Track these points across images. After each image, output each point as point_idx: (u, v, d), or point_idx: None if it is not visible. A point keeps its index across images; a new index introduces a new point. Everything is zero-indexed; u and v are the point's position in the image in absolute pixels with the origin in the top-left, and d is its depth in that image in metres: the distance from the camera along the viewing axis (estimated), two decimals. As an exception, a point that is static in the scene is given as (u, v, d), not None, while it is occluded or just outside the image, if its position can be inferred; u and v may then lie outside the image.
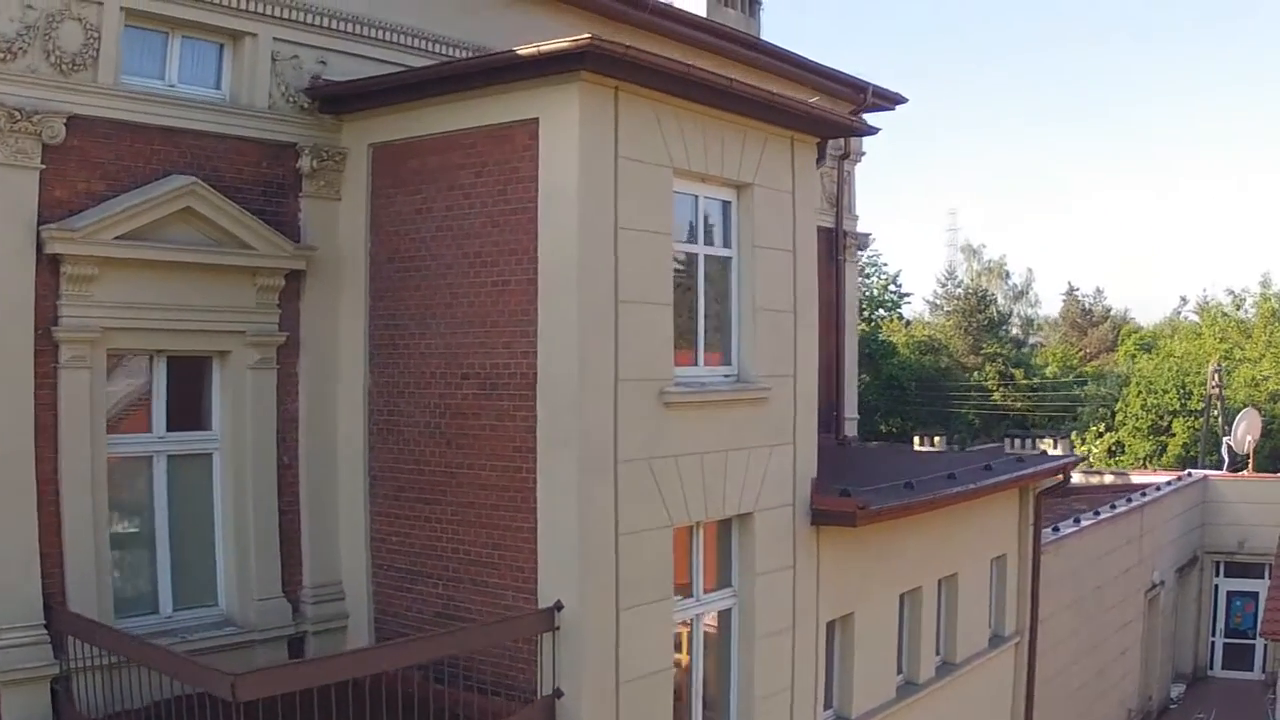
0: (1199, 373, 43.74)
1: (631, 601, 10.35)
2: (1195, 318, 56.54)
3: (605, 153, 10.14)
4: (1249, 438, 30.57)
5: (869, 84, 18.72)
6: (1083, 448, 44.72)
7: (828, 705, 13.60)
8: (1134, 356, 58.17)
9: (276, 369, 11.47)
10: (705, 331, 11.62)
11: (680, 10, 15.58)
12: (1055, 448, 30.20)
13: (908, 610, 15.08)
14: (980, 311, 59.43)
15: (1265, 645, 24.80)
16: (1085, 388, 49.06)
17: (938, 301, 64.34)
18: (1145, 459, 42.68)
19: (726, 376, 11.81)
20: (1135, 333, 60.04)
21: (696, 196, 11.42)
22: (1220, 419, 40.18)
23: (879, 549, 13.79)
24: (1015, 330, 68.22)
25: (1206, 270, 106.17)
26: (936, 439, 51.64)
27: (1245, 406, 42.38)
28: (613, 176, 10.19)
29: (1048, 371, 55.33)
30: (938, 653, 16.00)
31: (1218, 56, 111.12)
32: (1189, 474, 28.32)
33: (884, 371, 51.85)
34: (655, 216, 10.62)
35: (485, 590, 10.72)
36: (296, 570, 11.70)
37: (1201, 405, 41.26)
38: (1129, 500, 23.64)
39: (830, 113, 12.91)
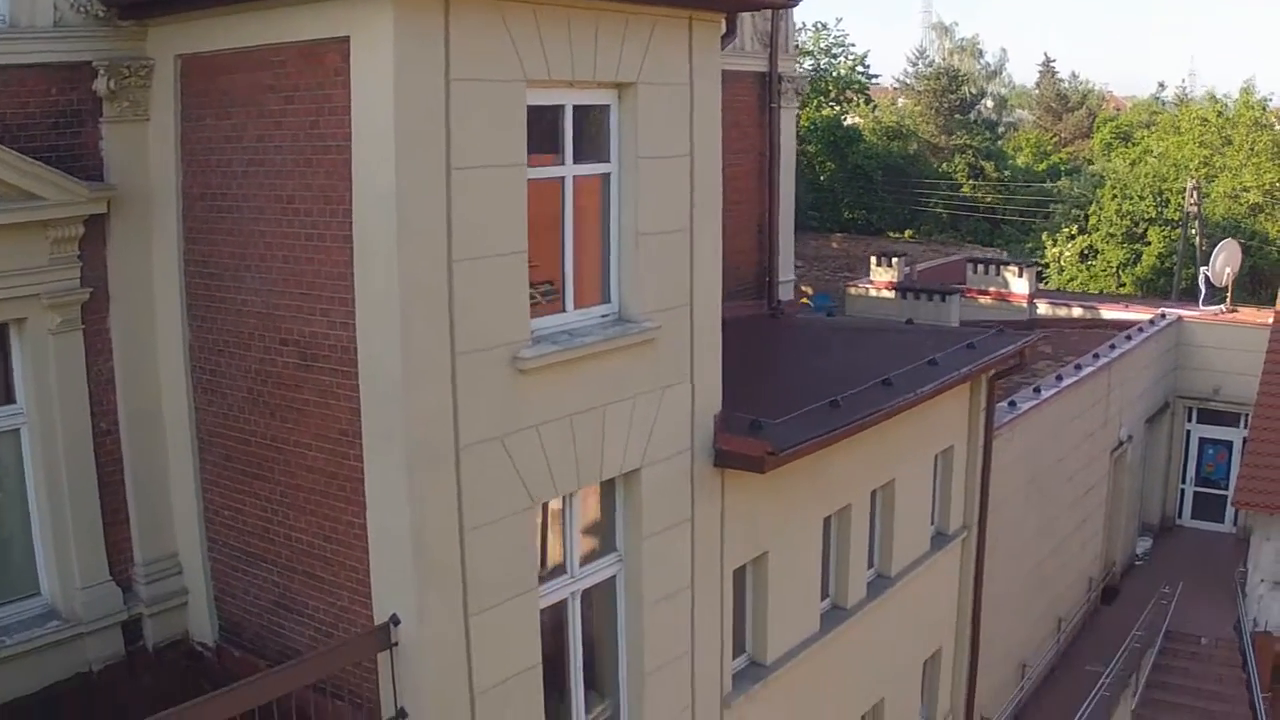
0: (1177, 179, 42.14)
1: (484, 604, 9.17)
2: (1174, 110, 54.45)
3: (432, 77, 8.39)
4: (1228, 270, 29.25)
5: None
6: (1054, 249, 43.54)
7: (739, 652, 12.66)
8: (1110, 146, 56.44)
9: (83, 329, 10.01)
10: (576, 268, 10.08)
11: None
12: (1020, 276, 29.13)
13: (835, 532, 14.04)
14: (952, 92, 57.24)
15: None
16: (1059, 182, 47.46)
17: (908, 81, 61.91)
18: (1119, 267, 41.51)
19: (604, 318, 10.32)
20: (1111, 120, 58.02)
21: (562, 106, 9.68)
22: (1199, 238, 38.80)
23: (799, 475, 12.55)
24: (988, 111, 66.08)
25: (1186, 57, 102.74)
26: (907, 232, 50.83)
27: (1225, 222, 41.15)
28: (443, 106, 8.47)
29: (1019, 160, 53.62)
30: (871, 565, 15.06)
31: None
32: (1162, 315, 27.07)
33: (849, 160, 50.35)
34: (503, 147, 8.93)
35: (321, 586, 9.54)
36: (125, 548, 10.57)
37: (1179, 215, 39.80)
38: (1096, 358, 22.43)
39: None
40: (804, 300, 46.94)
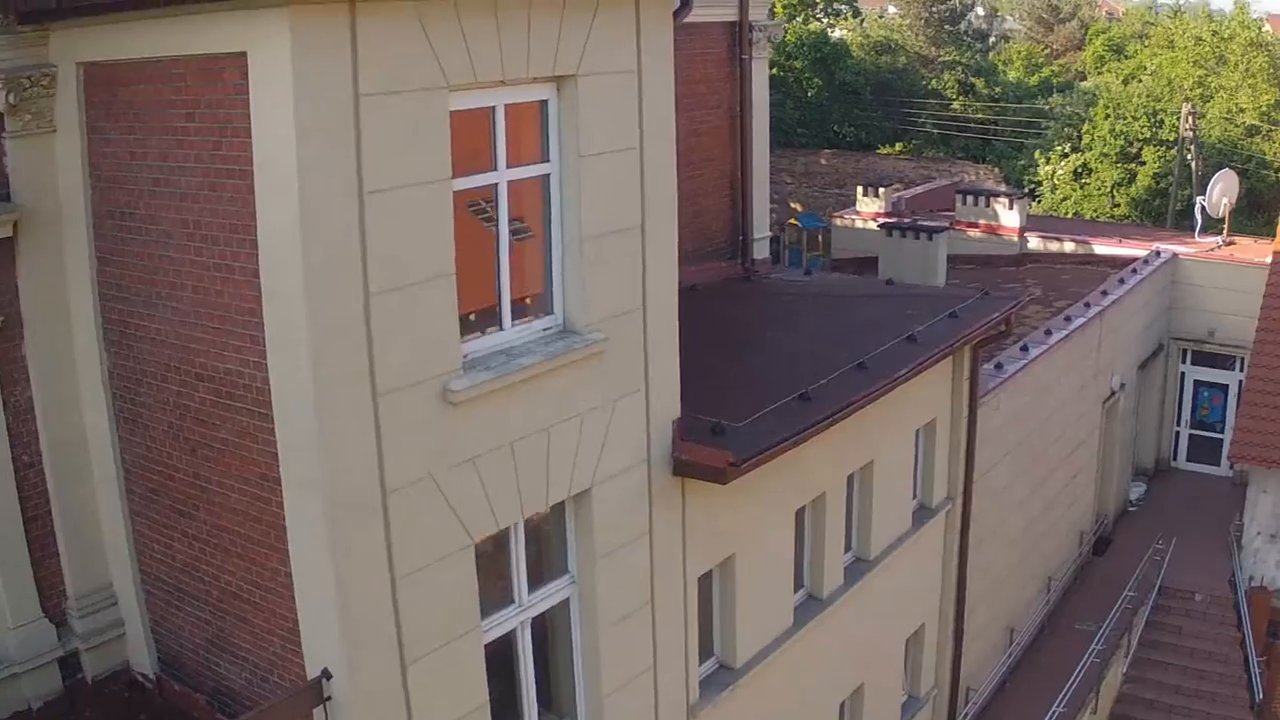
0: (1171, 99, 41.21)
1: (423, 650, 8.75)
2: (1168, 22, 53.13)
3: (338, 94, 7.72)
4: (1225, 200, 28.49)
5: None
6: (1046, 168, 42.79)
7: (706, 657, 12.30)
8: (1102, 59, 55.33)
9: (-4, 358, 9.50)
10: (514, 280, 9.49)
11: None
12: (1011, 208, 28.45)
13: (809, 523, 13.63)
14: (942, 1, 55.91)
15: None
16: (1051, 98, 46.55)
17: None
18: (1113, 187, 40.78)
19: (547, 331, 9.75)
20: (1104, 33, 56.80)
21: (494, 108, 9.01)
22: (1195, 163, 38.01)
23: (768, 469, 11.98)
24: (979, 21, 64.69)
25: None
26: (898, 145, 49.91)
27: (1221, 145, 40.29)
28: (352, 124, 7.81)
29: (1010, 75, 52.60)
30: (849, 549, 14.67)
31: None
32: (1157, 253, 26.40)
33: (837, 76, 49.44)
34: (425, 162, 8.29)
35: (253, 631, 9.13)
36: (56, 582, 10.26)
37: (1174, 136, 38.97)
38: (1087, 307, 21.84)
39: None
40: (792, 221, 46.32)
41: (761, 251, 17.66)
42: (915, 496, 16.06)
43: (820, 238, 37.89)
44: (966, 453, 16.45)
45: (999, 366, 18.02)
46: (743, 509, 11.99)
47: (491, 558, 9.65)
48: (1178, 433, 27.58)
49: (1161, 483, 26.82)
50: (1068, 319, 20.94)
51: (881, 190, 30.20)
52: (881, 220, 27.52)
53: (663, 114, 10.25)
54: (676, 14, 10.40)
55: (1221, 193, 28.67)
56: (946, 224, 26.15)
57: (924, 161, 48.27)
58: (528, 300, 9.71)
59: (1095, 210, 41.22)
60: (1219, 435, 26.83)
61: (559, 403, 9.66)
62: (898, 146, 50.55)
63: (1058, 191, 42.35)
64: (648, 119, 10.05)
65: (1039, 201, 43.65)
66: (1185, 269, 26.53)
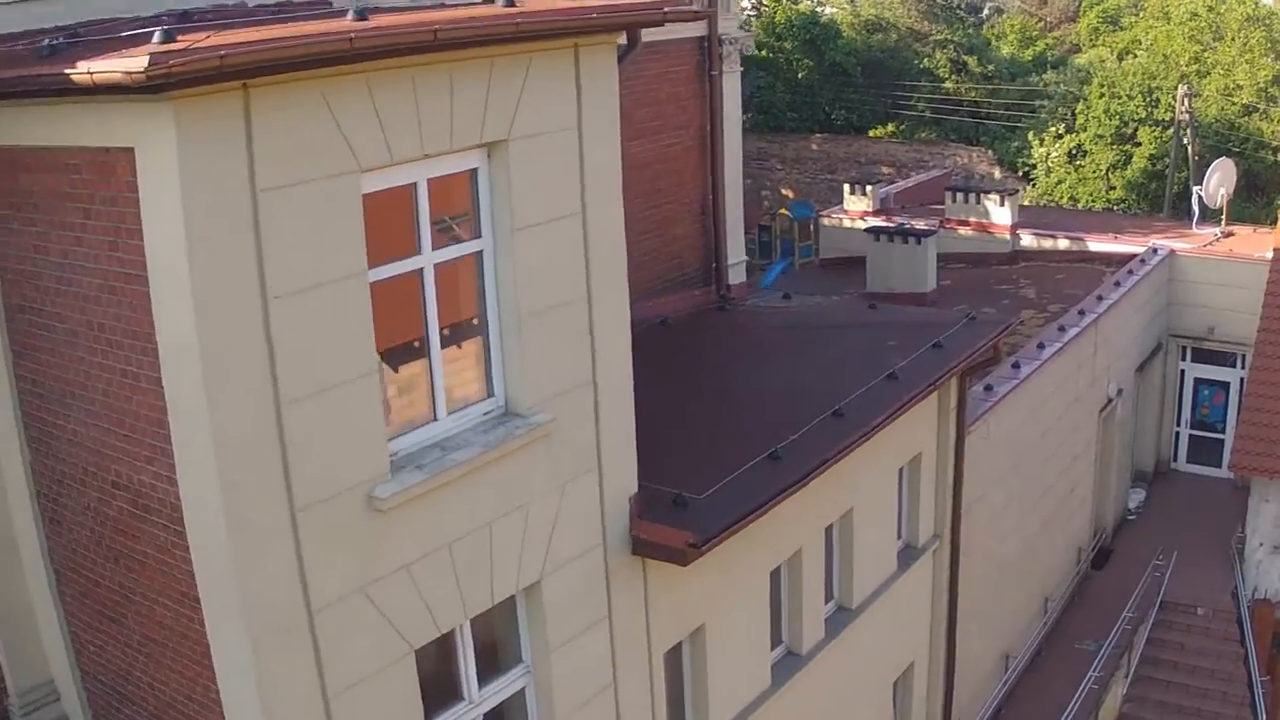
0: (1166, 77, 40.41)
1: (359, 774, 8.21)
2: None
3: (233, 190, 7.14)
4: (1222, 190, 27.91)
5: None
6: (1040, 149, 42.13)
7: (678, 728, 11.81)
8: (1097, 31, 54.45)
9: (-81, 449, 8.98)
10: (448, 365, 8.93)
11: None
12: (1002, 205, 27.82)
13: (785, 580, 13.10)
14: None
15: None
16: (1044, 75, 45.81)
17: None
18: (1109, 169, 40.08)
19: (487, 415, 9.20)
20: (1098, 4, 55.89)
21: (415, 184, 8.41)
22: (1190, 149, 37.31)
23: (736, 535, 11.51)
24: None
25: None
26: (890, 126, 49.19)
27: (1218, 124, 39.51)
28: (251, 224, 7.23)
29: (1004, 50, 51.82)
30: (830, 600, 14.15)
31: None
32: (1153, 250, 25.78)
33: (827, 57, 48.75)
34: (336, 256, 7.71)
35: (186, 748, 8.58)
36: (-2, 678, 9.68)
37: (1170, 115, 38.23)
38: (1081, 315, 21.25)
39: (633, 7, 9.49)
40: (782, 211, 45.73)
41: (738, 276, 17.06)
42: (900, 536, 15.52)
43: (812, 227, 37.31)
44: (954, 486, 15.92)
45: (989, 388, 17.45)
46: (711, 577, 11.46)
47: (437, 658, 9.13)
48: (1178, 433, 27.03)
49: (1162, 487, 26.28)
50: (1061, 329, 20.36)
51: (869, 188, 29.50)
52: (868, 223, 26.93)
53: (608, 171, 9.66)
54: (623, 57, 9.75)
55: (1219, 183, 28.10)
56: (935, 227, 25.63)
57: (916, 145, 47.58)
58: (464, 385, 9.14)
59: (1090, 194, 40.53)
60: (1220, 435, 26.29)
61: (502, 493, 9.13)
62: (890, 127, 49.87)
63: (1052, 174, 41.65)
64: (591, 179, 9.47)
65: (1034, 185, 42.96)
66: (1182, 265, 25.92)
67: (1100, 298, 22.38)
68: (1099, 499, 23.16)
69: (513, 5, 8.47)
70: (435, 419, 8.87)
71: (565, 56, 9.04)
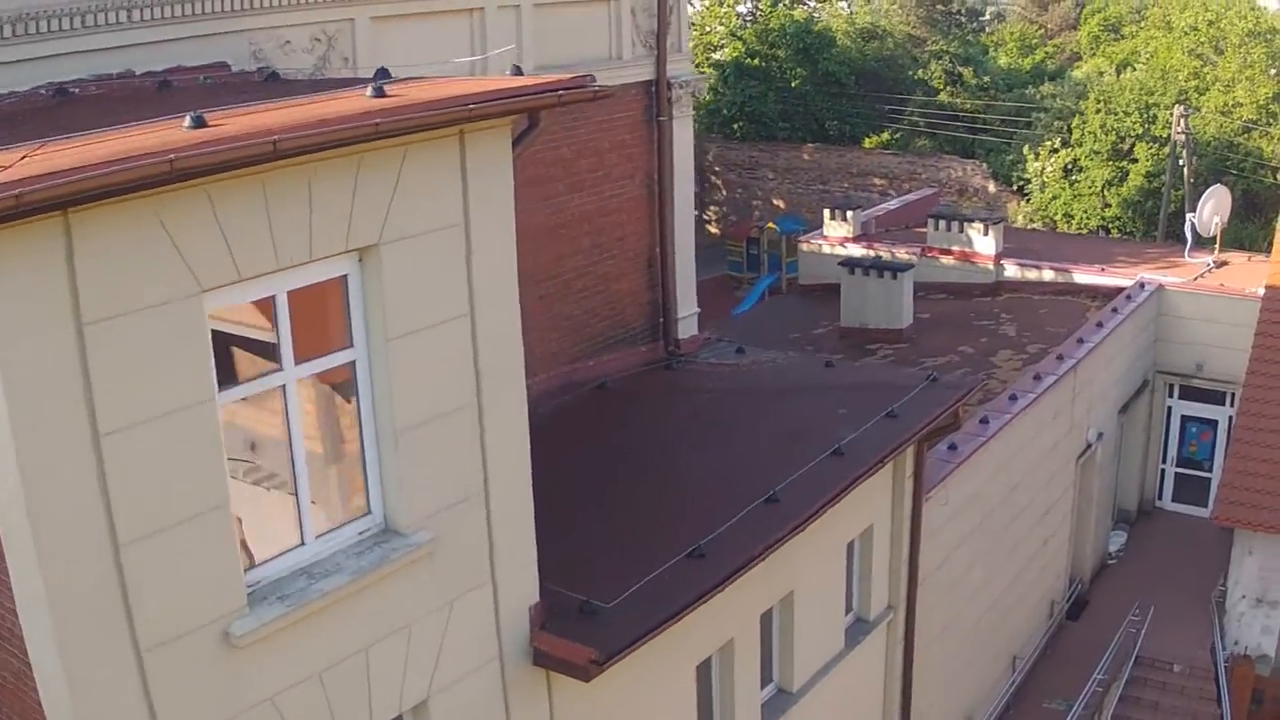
0: (1165, 91, 39.50)
1: None
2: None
3: (56, 327, 6.47)
4: (1216, 219, 27.18)
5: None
6: (1035, 164, 41.36)
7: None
8: (1098, 40, 53.63)
9: None
10: (317, 485, 8.23)
11: None
12: (986, 234, 27.05)
13: (716, 671, 12.40)
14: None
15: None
16: (1041, 88, 45.01)
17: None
18: (1104, 186, 39.25)
19: (363, 535, 8.51)
20: (1099, 12, 54.98)
21: (273, 297, 7.69)
22: (1186, 170, 36.48)
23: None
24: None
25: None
26: (884, 134, 48.42)
27: (1216, 141, 38.63)
28: (77, 360, 6.56)
29: (1001, 60, 51.01)
30: (768, 683, 13.45)
31: None
32: (1141, 284, 25.01)
33: (821, 66, 47.98)
34: (177, 384, 7.03)
35: None
36: None
37: (1167, 132, 37.36)
38: (1060, 360, 20.50)
39: (525, 89, 8.74)
40: (770, 225, 45.00)
41: (688, 329, 16.30)
42: (850, 610, 14.81)
43: (796, 235, 36.57)
44: (910, 557, 15.23)
45: (953, 448, 16.70)
46: (629, 678, 10.75)
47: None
48: (1163, 471, 26.30)
49: (1144, 528, 25.57)
50: (1037, 378, 19.61)
51: (850, 213, 28.70)
52: (848, 250, 26.19)
53: (501, 267, 8.99)
54: (519, 141, 8.97)
55: (1213, 211, 27.39)
56: (917, 254, 24.88)
57: (909, 157, 46.78)
58: (337, 503, 8.45)
59: (1086, 211, 39.69)
60: (1207, 474, 25.55)
61: (380, 616, 8.47)
62: (884, 135, 49.07)
63: (1047, 190, 40.81)
64: (481, 277, 8.77)
65: (1028, 200, 42.14)
66: (1171, 300, 25.17)
67: (1081, 340, 21.63)
68: (1076, 546, 22.46)
69: (383, 95, 7.73)
70: (302, 543, 8.18)
71: (448, 146, 8.32)
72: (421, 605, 8.77)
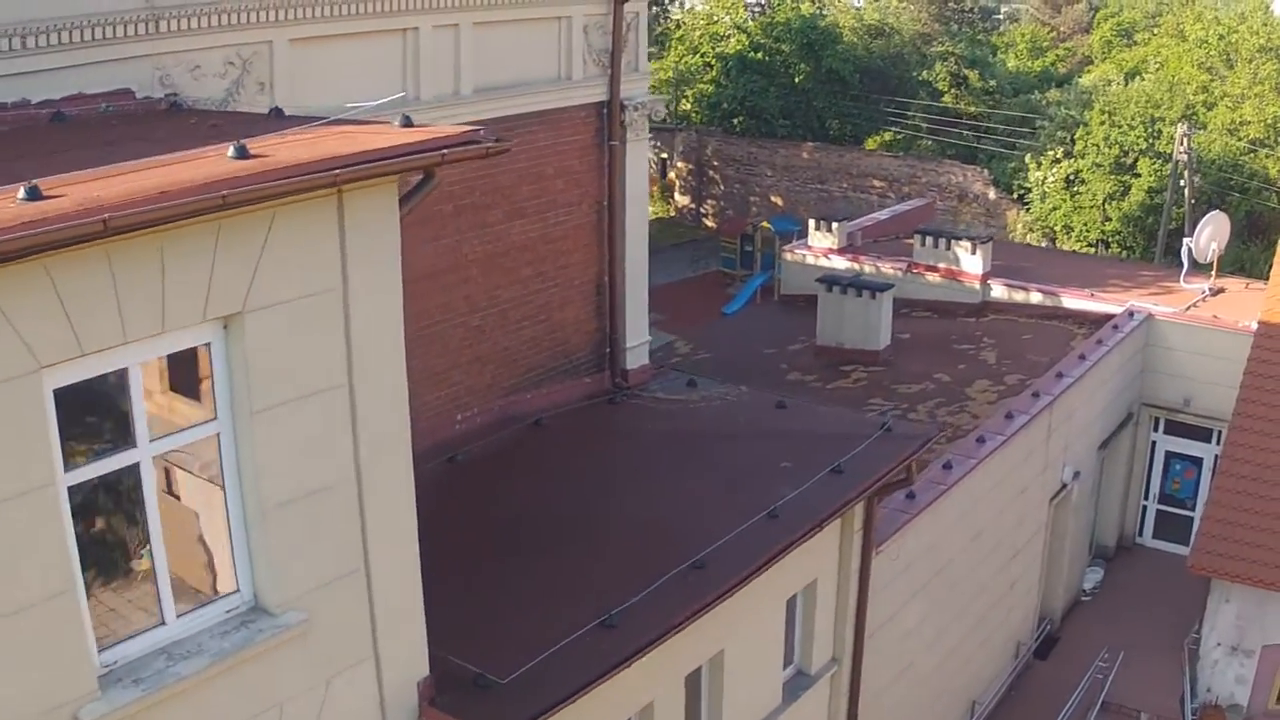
0: (1172, 106, 38.87)
1: None
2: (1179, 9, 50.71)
3: None
4: (1214, 245, 26.57)
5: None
6: (1037, 173, 40.82)
7: None
8: (1110, 44, 53.05)
9: None
10: (179, 562, 7.81)
11: None
12: (973, 253, 26.52)
13: (633, 739, 11.94)
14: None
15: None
16: (1048, 93, 44.42)
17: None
18: (1105, 200, 38.69)
19: (230, 613, 8.11)
20: (1113, 17, 54.32)
21: (125, 369, 7.24)
22: (1188, 192, 35.90)
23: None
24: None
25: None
26: (886, 134, 47.94)
27: (1221, 160, 38.00)
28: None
29: (1010, 62, 50.44)
30: (697, 740, 13.02)
31: None
32: (1130, 313, 24.46)
33: (824, 64, 47.42)
34: (16, 466, 6.62)
35: None
36: None
37: (1171, 148, 36.77)
38: (1036, 397, 19.99)
39: (403, 149, 8.11)
40: (764, 225, 44.49)
41: (638, 359, 15.81)
42: (791, 664, 14.37)
43: (792, 237, 36.05)
44: (857, 610, 14.75)
45: (911, 496, 16.19)
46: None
47: None
48: (1145, 507, 25.80)
49: (1123, 565, 25.08)
50: (1009, 416, 19.07)
51: (835, 225, 28.17)
52: (826, 269, 25.70)
53: (385, 331, 8.50)
54: (407, 200, 8.44)
55: (1210, 237, 26.75)
56: (903, 267, 24.34)
57: (910, 160, 46.24)
58: (202, 581, 8.02)
59: (1085, 224, 39.12)
60: (1189, 513, 25.02)
61: (247, 697, 8.10)
62: (886, 135, 48.50)
63: (1048, 200, 40.23)
64: (361, 344, 8.30)
65: (1028, 209, 41.57)
66: (1161, 331, 24.61)
67: (1060, 375, 21.09)
68: (1047, 586, 21.99)
69: (245, 157, 7.25)
70: (162, 623, 7.77)
71: (323, 206, 7.85)
72: (295, 684, 8.37)
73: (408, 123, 8.19)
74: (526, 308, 14.28)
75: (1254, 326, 22.62)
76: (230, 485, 7.94)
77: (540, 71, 13.98)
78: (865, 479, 13.42)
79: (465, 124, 12.91)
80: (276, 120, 8.99)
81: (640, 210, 15.46)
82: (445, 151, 7.86)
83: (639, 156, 15.36)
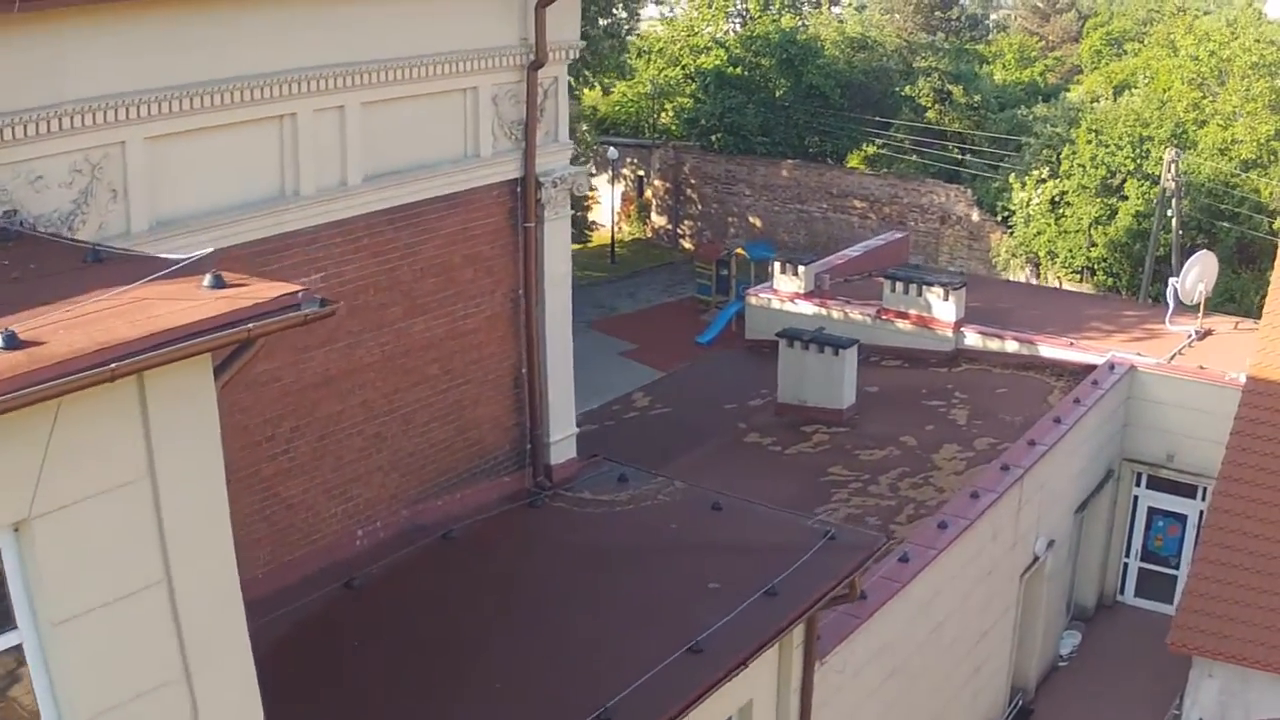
0: (1161, 125, 37.95)
1: None
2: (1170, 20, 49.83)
3: None
4: (1200, 286, 25.74)
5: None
6: (1021, 194, 39.94)
7: None
8: (1099, 54, 52.23)
9: None
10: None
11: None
12: (946, 300, 25.61)
13: None
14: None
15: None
16: (1034, 108, 43.54)
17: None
18: (1090, 225, 37.81)
19: None
20: (1102, 26, 53.45)
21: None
22: (1175, 223, 35.04)
23: None
24: (972, 5, 61.80)
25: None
26: (869, 148, 47.08)
27: (1211, 184, 37.09)
28: None
29: (996, 75, 49.58)
30: None
31: None
32: (1111, 365, 23.55)
33: (804, 79, 46.54)
34: None
35: None
36: None
37: (1159, 170, 35.89)
38: (1005, 470, 19.04)
39: (199, 328, 6.95)
40: (739, 251, 43.55)
41: (563, 454, 14.82)
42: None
43: (769, 269, 35.16)
44: (799, 727, 13.80)
45: (862, 596, 15.19)
46: None
47: None
48: (1126, 565, 24.89)
49: (1103, 625, 24.18)
50: (975, 495, 18.09)
51: (801, 268, 27.21)
52: (789, 318, 24.76)
53: (206, 517, 7.50)
54: (231, 361, 7.40)
55: (1197, 278, 25.94)
56: (856, 339, 23.32)
57: (891, 179, 45.36)
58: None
59: (1070, 249, 38.21)
60: (1173, 571, 24.15)
61: None
62: (868, 149, 47.61)
63: (1032, 224, 39.31)
64: (177, 535, 7.31)
65: (1012, 233, 40.66)
66: (1143, 382, 23.72)
67: (1033, 443, 20.14)
68: (1019, 659, 21.07)
69: (15, 347, 6.28)
70: None
71: (118, 392, 6.84)
72: None
73: (218, 283, 7.17)
74: (434, 408, 13.30)
75: (1241, 379, 21.70)
76: (43, 696, 6.99)
77: (443, 150, 12.97)
78: (802, 601, 12.49)
79: (356, 216, 12.22)
80: (92, 268, 7.98)
81: (562, 293, 14.46)
82: (252, 325, 6.86)
83: (559, 234, 14.36)
